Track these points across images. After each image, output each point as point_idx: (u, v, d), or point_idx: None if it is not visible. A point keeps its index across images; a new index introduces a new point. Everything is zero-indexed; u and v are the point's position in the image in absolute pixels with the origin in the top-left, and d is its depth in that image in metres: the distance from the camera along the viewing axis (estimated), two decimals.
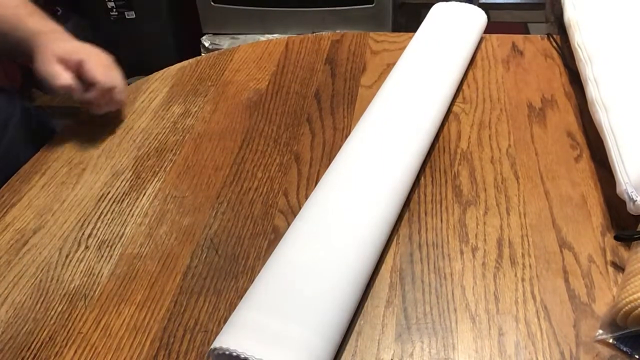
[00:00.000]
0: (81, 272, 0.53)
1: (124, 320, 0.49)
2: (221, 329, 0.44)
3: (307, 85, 0.76)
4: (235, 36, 1.88)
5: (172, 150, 0.67)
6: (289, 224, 0.53)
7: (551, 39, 0.81)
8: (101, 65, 0.68)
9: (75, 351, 0.47)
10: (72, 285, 0.52)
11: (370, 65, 0.79)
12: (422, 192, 0.59)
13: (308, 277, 0.46)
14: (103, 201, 0.61)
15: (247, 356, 0.41)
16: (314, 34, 0.86)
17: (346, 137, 0.67)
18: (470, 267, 0.52)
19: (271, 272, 0.47)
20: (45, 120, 0.81)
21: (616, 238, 0.53)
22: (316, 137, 0.67)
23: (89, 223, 0.58)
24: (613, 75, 0.64)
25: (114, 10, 1.88)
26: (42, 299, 0.51)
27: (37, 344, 0.48)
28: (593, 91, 0.63)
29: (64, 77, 0.65)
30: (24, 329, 0.49)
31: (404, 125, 0.60)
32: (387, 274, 0.52)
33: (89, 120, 0.72)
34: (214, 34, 1.89)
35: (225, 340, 0.42)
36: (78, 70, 0.66)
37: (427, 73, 0.68)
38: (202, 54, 0.86)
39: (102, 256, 0.55)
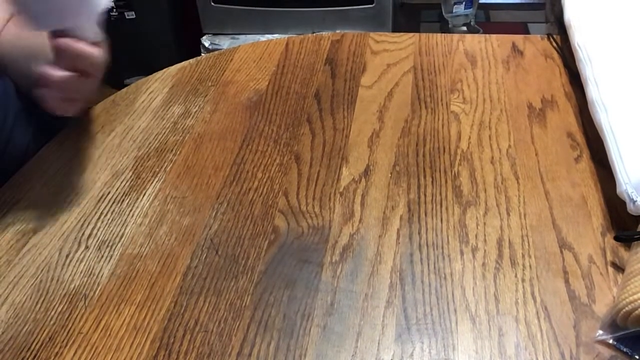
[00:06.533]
0: (81, 272, 0.53)
1: (124, 320, 0.49)
2: (221, 328, 0.44)
3: (307, 86, 0.76)
4: (235, 36, 1.88)
5: (172, 151, 0.67)
6: (289, 224, 0.53)
7: (551, 39, 0.81)
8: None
9: (75, 351, 0.47)
10: (72, 285, 0.52)
11: (370, 65, 0.79)
12: (422, 193, 0.59)
13: None
14: (103, 201, 0.61)
15: None
16: (314, 34, 0.86)
17: (346, 137, 0.67)
18: (470, 268, 0.52)
19: None
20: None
21: (616, 238, 0.53)
22: (316, 137, 0.67)
23: (89, 223, 0.58)
24: (613, 75, 0.64)
25: (114, 10, 1.88)
26: (42, 299, 0.51)
27: (37, 344, 0.48)
28: (593, 91, 0.63)
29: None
30: (24, 329, 0.49)
31: None
32: (387, 274, 0.52)
33: (89, 120, 0.72)
34: (214, 34, 1.89)
35: None
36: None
37: None
38: (202, 54, 0.86)
39: (102, 256, 0.55)
